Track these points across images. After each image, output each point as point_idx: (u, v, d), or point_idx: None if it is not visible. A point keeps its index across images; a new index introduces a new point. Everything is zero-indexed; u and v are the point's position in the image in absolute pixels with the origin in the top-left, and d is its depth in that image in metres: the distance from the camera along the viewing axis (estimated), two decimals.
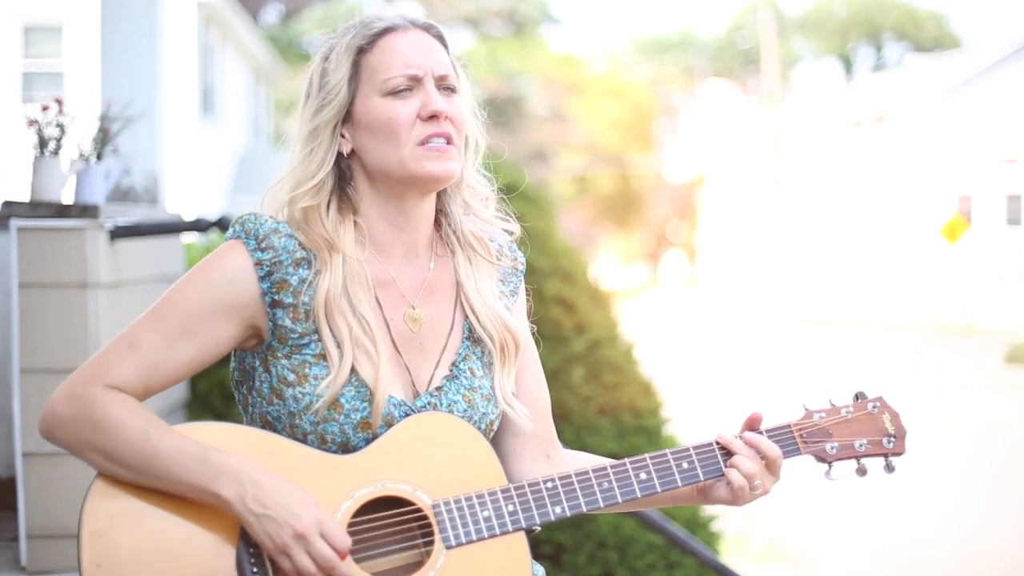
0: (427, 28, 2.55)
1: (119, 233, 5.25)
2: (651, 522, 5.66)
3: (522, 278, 2.72)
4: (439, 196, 2.60)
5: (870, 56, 61.56)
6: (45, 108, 5.19)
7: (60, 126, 5.22)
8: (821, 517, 13.19)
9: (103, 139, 5.43)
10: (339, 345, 2.42)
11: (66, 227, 5.04)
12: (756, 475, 2.52)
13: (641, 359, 7.41)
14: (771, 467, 2.55)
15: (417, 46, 2.51)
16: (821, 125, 45.96)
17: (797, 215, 46.20)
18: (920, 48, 55.45)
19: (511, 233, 2.69)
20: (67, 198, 5.30)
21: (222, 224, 5.71)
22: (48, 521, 5.01)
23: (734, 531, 11.33)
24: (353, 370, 2.43)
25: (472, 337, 2.58)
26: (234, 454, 2.30)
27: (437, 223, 2.62)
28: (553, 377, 6.84)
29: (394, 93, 2.47)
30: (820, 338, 35.56)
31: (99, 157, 5.41)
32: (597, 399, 6.93)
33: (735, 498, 2.54)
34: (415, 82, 2.48)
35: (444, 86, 2.52)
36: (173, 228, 5.82)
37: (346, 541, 2.27)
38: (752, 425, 2.58)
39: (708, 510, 7.12)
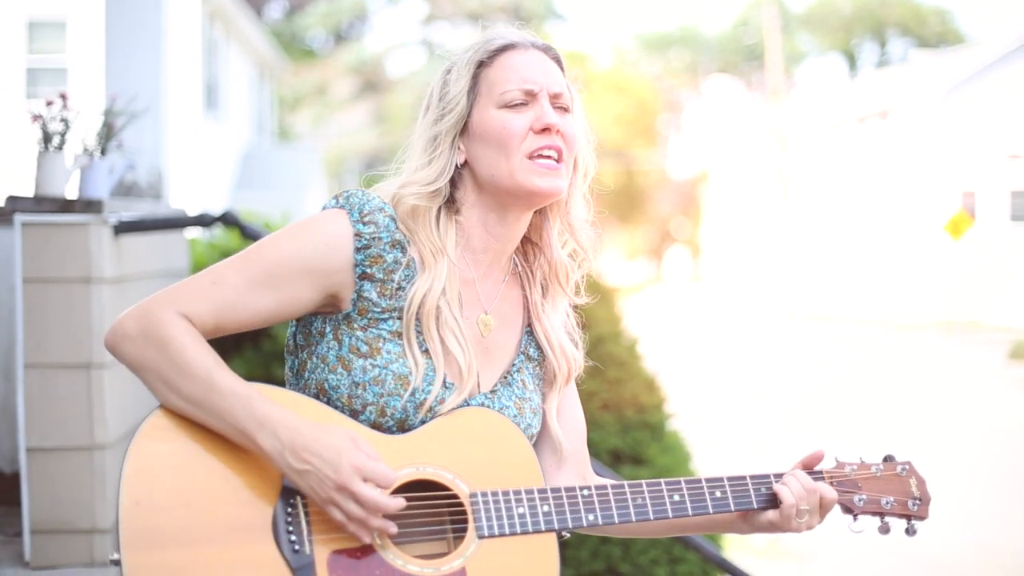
0: (545, 49, 2.63)
1: (123, 228, 5.26)
2: None
3: (569, 308, 2.79)
4: (539, 214, 2.67)
5: (874, 52, 61.54)
6: (49, 103, 5.20)
7: (64, 121, 5.22)
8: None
9: (107, 134, 5.43)
10: (424, 338, 2.49)
11: (70, 222, 5.05)
12: (805, 499, 2.60)
13: (645, 355, 7.41)
14: (824, 506, 2.65)
15: (535, 64, 2.59)
16: (825, 121, 45.92)
17: (801, 211, 46.17)
18: (924, 44, 55.41)
19: (589, 263, 2.76)
20: (71, 193, 5.31)
21: (226, 219, 5.71)
22: (52, 516, 5.01)
23: None
24: (429, 355, 2.50)
25: (527, 354, 2.67)
26: (278, 405, 2.35)
27: (523, 246, 2.70)
28: None
29: (510, 106, 2.55)
30: (824, 334, 35.54)
31: (103, 152, 5.42)
32: (601, 395, 6.93)
33: (782, 520, 2.61)
34: (531, 97, 2.56)
35: (558, 104, 2.59)
36: (177, 223, 5.82)
37: (389, 476, 2.32)
38: (813, 460, 2.69)
39: None
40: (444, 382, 2.49)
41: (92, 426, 5.03)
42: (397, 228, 2.50)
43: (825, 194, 45.18)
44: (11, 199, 5.15)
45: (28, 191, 5.22)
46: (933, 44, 54.40)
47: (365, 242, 2.47)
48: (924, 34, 57.60)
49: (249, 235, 5.60)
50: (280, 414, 2.33)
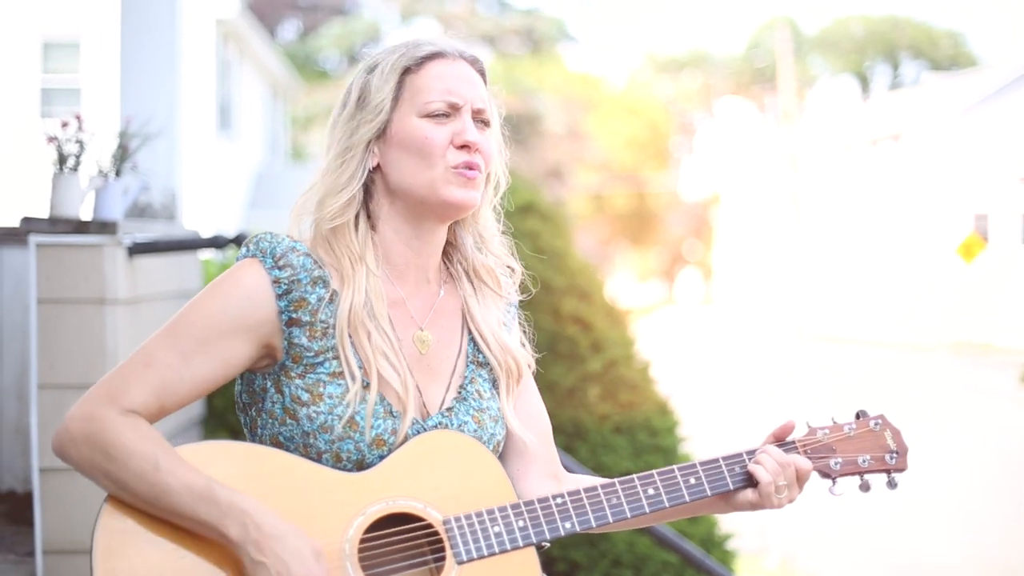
0: (472, 61, 2.61)
1: (137, 249, 5.27)
2: (666, 540, 5.65)
3: (516, 311, 2.77)
4: (452, 226, 2.66)
5: (887, 74, 61.56)
6: (64, 124, 5.22)
7: (79, 142, 5.24)
8: (835, 535, 13.15)
9: (122, 155, 5.45)
10: (361, 360, 2.45)
11: (84, 243, 5.06)
12: (780, 474, 2.58)
13: (657, 377, 7.40)
14: (800, 478, 2.62)
15: (461, 76, 2.57)
16: (837, 143, 45.91)
17: (813, 233, 46.13)
18: (937, 66, 55.43)
19: (512, 270, 2.74)
20: (86, 214, 5.33)
21: (239, 241, 5.72)
22: (64, 537, 5.02)
23: (749, 549, 11.30)
24: (369, 387, 2.46)
25: (477, 361, 2.64)
26: (240, 493, 2.31)
27: (446, 253, 2.68)
28: (569, 395, 6.84)
29: (432, 116, 2.52)
30: (836, 356, 35.47)
31: (118, 173, 5.44)
32: (613, 417, 6.93)
33: (762, 499, 2.59)
34: (453, 110, 2.53)
35: (479, 119, 2.58)
36: (191, 245, 5.84)
37: None
38: (784, 432, 2.68)
39: (723, 528, 7.11)
40: (391, 411, 2.46)
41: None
42: (315, 264, 2.47)
43: (837, 216, 45.14)
44: (26, 220, 5.16)
45: (43, 212, 5.23)
46: (946, 67, 54.40)
47: (285, 287, 2.43)
48: (937, 57, 57.63)
49: None
50: (245, 503, 2.30)
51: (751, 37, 61.93)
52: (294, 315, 2.43)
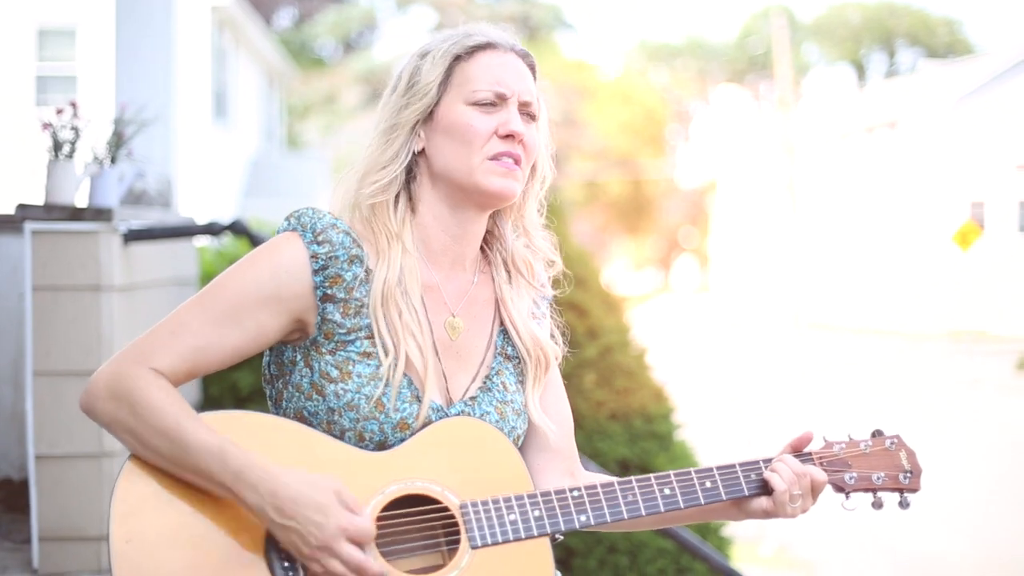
0: (523, 55, 2.65)
1: (133, 236, 5.27)
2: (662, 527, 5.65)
3: (549, 304, 2.79)
4: (493, 216, 2.68)
5: (883, 62, 61.54)
6: (59, 111, 5.21)
7: (74, 129, 5.23)
8: (831, 523, 13.17)
9: (117, 142, 5.44)
10: (392, 335, 2.48)
11: (80, 230, 5.06)
12: (796, 484, 2.59)
13: (653, 364, 7.41)
14: (815, 489, 2.63)
15: (510, 68, 2.60)
16: (834, 131, 45.90)
17: (809, 221, 46.14)
18: (933, 54, 55.39)
19: (552, 264, 2.76)
20: (81, 201, 5.32)
21: (235, 228, 5.72)
22: (61, 524, 5.02)
23: (744, 536, 11.32)
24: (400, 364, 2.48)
25: (505, 353, 2.66)
26: (252, 453, 2.32)
27: (486, 242, 2.70)
28: (565, 382, 6.84)
29: (479, 104, 2.55)
30: (832, 344, 35.51)
31: (113, 160, 5.43)
32: (609, 404, 6.93)
33: (776, 507, 2.60)
34: (501, 100, 2.56)
35: (526, 112, 2.60)
36: (186, 232, 5.83)
37: (372, 533, 2.30)
38: (801, 443, 2.68)
39: None
40: (417, 396, 2.48)
41: (101, 434, 5.04)
42: (353, 242, 2.49)
43: (833, 204, 45.14)
44: (21, 207, 5.15)
45: (38, 199, 5.23)
46: (942, 54, 54.38)
47: (323, 263, 2.45)
48: (933, 44, 57.61)
49: (258, 243, 5.60)
50: (257, 464, 2.31)
51: (747, 24, 61.88)
52: (329, 291, 2.46)
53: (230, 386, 6.52)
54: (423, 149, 2.58)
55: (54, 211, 5.11)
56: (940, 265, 37.03)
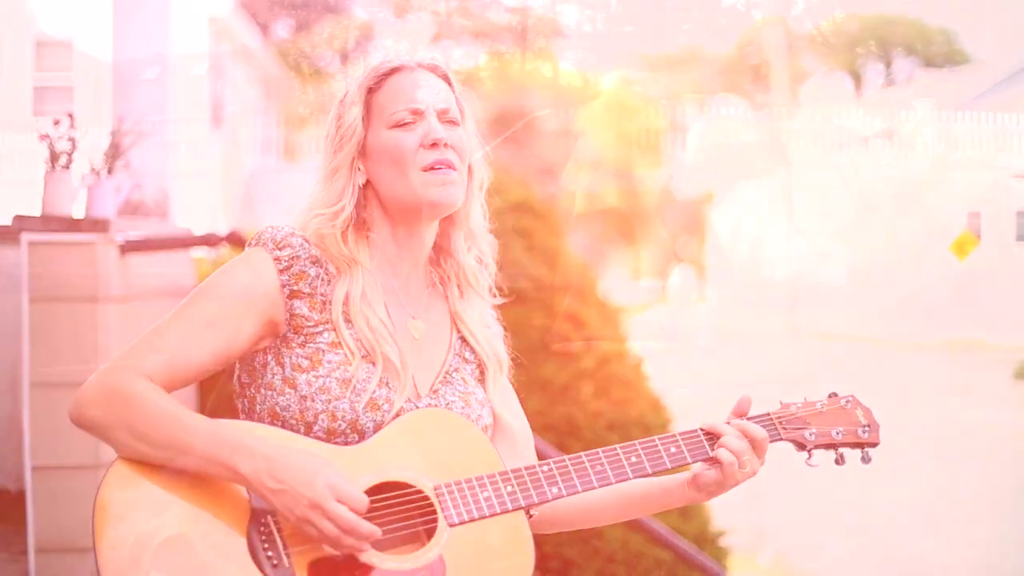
0: (432, 68, 2.76)
1: (129, 247, 5.27)
2: (659, 537, 5.65)
3: (495, 313, 2.90)
4: (444, 227, 2.78)
5: (879, 72, 61.64)
6: (56, 122, 5.21)
7: (71, 140, 5.23)
8: (829, 532, 13.16)
9: (114, 153, 5.45)
10: (361, 339, 2.59)
11: (77, 241, 5.06)
12: (744, 452, 2.67)
13: (650, 374, 7.41)
14: (757, 448, 2.71)
15: (420, 84, 2.72)
16: (830, 141, 45.92)
17: (806, 231, 46.15)
18: (930, 64, 55.44)
19: (487, 267, 2.85)
20: (78, 212, 5.32)
21: (232, 239, 5.72)
22: (57, 535, 5.01)
23: (742, 546, 11.31)
24: (366, 358, 2.59)
25: (462, 356, 2.77)
26: (245, 431, 2.46)
27: (438, 257, 2.81)
28: (562, 392, 6.84)
29: (400, 125, 2.67)
30: (829, 354, 35.50)
31: (110, 171, 5.43)
32: (606, 414, 6.93)
33: (725, 478, 2.68)
34: (417, 115, 2.68)
35: (446, 119, 2.71)
36: (183, 242, 5.84)
37: (362, 499, 2.39)
38: (741, 408, 2.77)
39: (716, 525, 7.11)
40: (387, 382, 2.59)
41: (97, 445, 4.99)
42: (313, 246, 2.62)
43: (830, 213, 45.16)
44: (18, 218, 5.16)
45: (35, 210, 5.23)
46: (939, 64, 54.43)
47: (286, 263, 2.59)
48: (930, 54, 57.61)
49: None
50: (251, 439, 2.43)
51: (744, 35, 62.01)
52: (295, 287, 2.58)
53: (227, 395, 6.51)
54: (367, 181, 2.70)
55: (51, 222, 5.12)
56: (937, 275, 37.05)
